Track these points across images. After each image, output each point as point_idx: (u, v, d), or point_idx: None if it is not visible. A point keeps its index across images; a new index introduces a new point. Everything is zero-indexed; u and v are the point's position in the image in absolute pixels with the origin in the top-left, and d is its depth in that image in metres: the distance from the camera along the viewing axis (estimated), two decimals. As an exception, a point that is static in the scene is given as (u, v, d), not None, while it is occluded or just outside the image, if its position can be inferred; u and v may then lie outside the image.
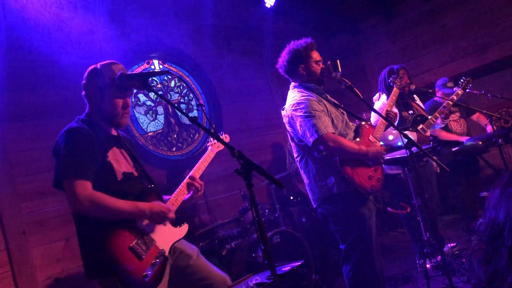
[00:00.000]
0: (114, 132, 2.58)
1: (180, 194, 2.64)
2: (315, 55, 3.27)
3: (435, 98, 5.21)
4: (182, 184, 2.67)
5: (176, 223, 2.57)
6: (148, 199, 2.45)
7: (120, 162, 2.45)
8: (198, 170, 2.83)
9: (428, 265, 4.07)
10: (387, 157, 3.70)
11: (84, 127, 2.36)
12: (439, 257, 3.91)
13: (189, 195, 2.69)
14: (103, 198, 2.24)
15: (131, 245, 2.23)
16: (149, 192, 2.50)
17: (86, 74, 2.49)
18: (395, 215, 5.31)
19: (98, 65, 2.45)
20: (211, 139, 3.20)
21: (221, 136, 3.02)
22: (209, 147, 3.10)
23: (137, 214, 2.32)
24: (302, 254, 4.40)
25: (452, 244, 4.51)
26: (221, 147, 3.14)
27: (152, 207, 2.36)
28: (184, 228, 2.61)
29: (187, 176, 2.71)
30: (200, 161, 2.91)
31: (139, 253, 2.24)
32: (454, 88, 4.62)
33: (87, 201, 2.20)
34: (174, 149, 5.54)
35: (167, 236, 2.47)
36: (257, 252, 4.25)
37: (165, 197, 2.64)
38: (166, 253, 2.41)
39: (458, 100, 4.55)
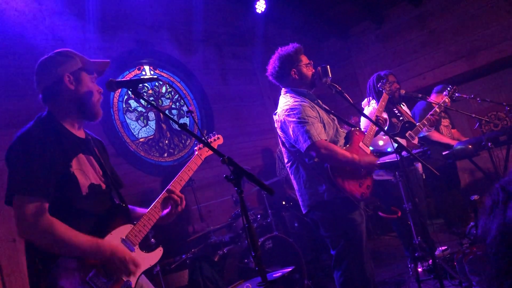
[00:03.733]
0: (81, 134, 2.21)
1: (155, 213, 2.27)
2: (304, 59, 3.29)
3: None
4: (157, 200, 2.30)
5: (144, 246, 2.22)
6: (115, 220, 2.14)
7: (87, 173, 2.10)
8: (179, 180, 2.42)
9: (419, 269, 4.08)
10: (378, 162, 3.72)
11: (43, 130, 2.02)
12: (431, 260, 3.93)
13: (167, 210, 2.34)
14: (61, 230, 1.87)
15: (87, 279, 1.91)
16: (117, 211, 2.19)
17: (43, 66, 2.13)
18: (386, 220, 5.33)
19: (61, 51, 2.15)
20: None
21: (214, 136, 2.92)
22: (196, 152, 2.67)
23: (96, 255, 1.96)
24: (295, 259, 4.40)
25: (443, 248, 4.53)
26: (211, 151, 2.68)
27: (115, 252, 1.99)
28: (157, 253, 2.27)
29: (165, 190, 2.35)
30: (183, 169, 2.49)
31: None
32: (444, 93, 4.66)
33: (40, 228, 1.85)
34: (165, 155, 5.52)
35: None
36: (249, 258, 4.24)
37: (142, 210, 2.33)
38: (133, 285, 2.07)
39: (445, 106, 4.58)
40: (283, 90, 3.34)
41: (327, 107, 3.35)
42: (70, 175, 2.01)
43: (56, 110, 2.13)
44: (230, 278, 4.21)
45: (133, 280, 2.09)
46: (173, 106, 5.83)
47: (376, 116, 3.61)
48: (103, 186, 2.18)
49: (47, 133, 2.02)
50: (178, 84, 5.91)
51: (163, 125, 5.60)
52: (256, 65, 6.76)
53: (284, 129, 3.18)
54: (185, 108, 5.88)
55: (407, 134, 4.21)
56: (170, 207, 2.34)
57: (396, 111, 4.49)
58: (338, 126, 3.31)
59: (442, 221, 6.04)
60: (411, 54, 6.89)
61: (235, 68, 6.52)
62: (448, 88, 4.64)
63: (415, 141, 4.25)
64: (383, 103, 3.83)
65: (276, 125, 3.30)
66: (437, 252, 4.37)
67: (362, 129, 3.45)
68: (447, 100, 4.56)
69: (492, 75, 6.56)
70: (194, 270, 4.14)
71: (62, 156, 2.01)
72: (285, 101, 3.22)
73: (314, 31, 7.58)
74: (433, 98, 5.22)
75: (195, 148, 2.73)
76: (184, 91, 5.94)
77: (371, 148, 3.34)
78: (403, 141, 4.15)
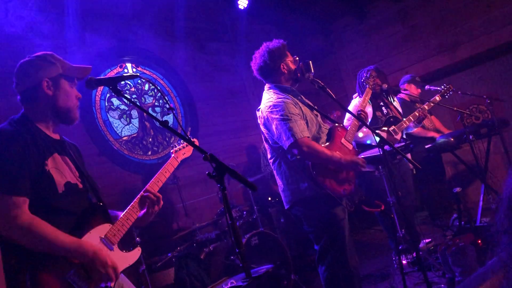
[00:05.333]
0: (56, 136, 2.22)
1: (133, 212, 2.28)
2: (289, 54, 3.31)
3: (399, 96, 5.25)
4: (134, 200, 2.31)
5: (128, 245, 2.25)
6: (93, 219, 2.12)
7: (62, 172, 2.10)
8: (157, 181, 2.42)
9: (404, 261, 4.13)
10: (361, 156, 3.74)
11: (16, 130, 2.02)
12: (415, 253, 3.97)
13: (144, 211, 2.33)
14: (43, 228, 1.88)
15: (67, 276, 1.90)
16: (94, 211, 2.17)
17: (22, 69, 2.14)
18: (371, 213, 5.38)
19: (42, 54, 2.16)
20: (176, 144, 2.85)
21: (182, 144, 2.87)
22: (172, 155, 2.70)
23: (77, 255, 1.95)
24: (281, 255, 4.42)
25: (427, 240, 4.59)
26: (187, 154, 2.82)
27: (98, 254, 1.98)
28: (135, 253, 2.27)
29: (142, 190, 2.36)
30: (160, 171, 2.49)
31: (78, 286, 1.92)
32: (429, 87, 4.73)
33: (22, 227, 1.84)
34: (149, 153, 5.48)
35: None
36: (235, 254, 4.25)
37: (119, 213, 2.32)
38: (112, 284, 2.06)
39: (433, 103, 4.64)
40: (266, 86, 3.33)
41: (310, 103, 3.35)
42: (46, 173, 2.01)
43: (32, 113, 2.14)
44: (217, 275, 4.22)
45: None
46: (156, 103, 5.79)
47: (359, 110, 3.63)
48: (80, 185, 2.18)
49: (21, 132, 2.02)
50: (161, 81, 5.87)
51: (147, 123, 5.56)
52: (239, 61, 6.74)
53: (267, 125, 3.17)
54: (168, 106, 5.83)
55: (390, 129, 4.23)
56: (146, 207, 2.34)
57: (382, 104, 4.53)
58: (321, 122, 3.30)
59: (426, 214, 6.11)
60: (394, 49, 6.93)
61: (218, 64, 6.49)
62: (443, 86, 4.73)
63: (398, 136, 4.28)
64: (366, 98, 3.86)
65: (259, 122, 3.28)
66: (421, 245, 4.42)
67: (346, 123, 3.45)
68: (438, 98, 4.64)
69: (473, 68, 6.63)
70: (180, 268, 4.13)
71: (36, 155, 2.00)
72: (268, 97, 3.21)
73: (296, 26, 7.58)
74: (411, 90, 5.31)
75: (171, 151, 2.76)
76: (167, 88, 5.90)
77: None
78: (383, 134, 4.18)
